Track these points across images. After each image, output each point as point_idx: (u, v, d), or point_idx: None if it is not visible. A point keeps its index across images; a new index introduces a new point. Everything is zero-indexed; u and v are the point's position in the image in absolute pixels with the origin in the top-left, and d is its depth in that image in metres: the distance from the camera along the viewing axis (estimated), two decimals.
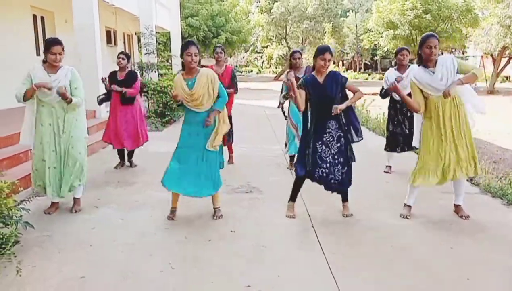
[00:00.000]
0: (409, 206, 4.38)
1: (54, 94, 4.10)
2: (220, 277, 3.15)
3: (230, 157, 6.59)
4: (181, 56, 4.03)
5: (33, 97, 4.13)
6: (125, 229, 4.03)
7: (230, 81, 6.16)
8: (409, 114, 5.64)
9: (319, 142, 4.16)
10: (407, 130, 5.73)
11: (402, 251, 3.59)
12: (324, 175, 4.16)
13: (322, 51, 4.08)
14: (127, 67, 6.21)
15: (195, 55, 3.97)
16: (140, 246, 3.67)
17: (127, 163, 6.46)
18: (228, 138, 6.41)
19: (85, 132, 4.46)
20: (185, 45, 4.02)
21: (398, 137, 5.85)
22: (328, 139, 4.16)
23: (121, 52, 6.31)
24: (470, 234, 3.93)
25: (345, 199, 4.41)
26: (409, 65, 5.69)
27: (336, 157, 4.17)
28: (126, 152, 6.43)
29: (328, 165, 4.15)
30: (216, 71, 5.93)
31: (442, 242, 3.76)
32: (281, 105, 6.30)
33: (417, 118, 4.38)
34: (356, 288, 3.03)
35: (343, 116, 4.21)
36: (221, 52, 6.18)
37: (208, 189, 4.21)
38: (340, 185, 4.24)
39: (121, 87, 6.02)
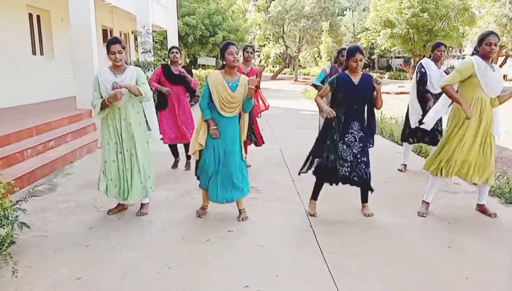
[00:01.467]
0: (427, 203, 4.38)
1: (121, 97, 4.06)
2: (218, 277, 3.13)
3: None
4: (222, 57, 3.98)
5: (109, 107, 4.08)
6: (122, 229, 4.01)
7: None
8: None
9: (341, 142, 4.14)
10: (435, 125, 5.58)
11: (401, 250, 3.58)
12: (347, 173, 4.15)
13: (353, 52, 4.03)
14: (180, 63, 6.11)
15: (236, 54, 3.92)
16: (138, 246, 3.64)
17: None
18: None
19: (153, 133, 4.37)
20: (226, 45, 3.98)
21: (420, 129, 5.67)
22: (350, 139, 4.14)
23: (174, 47, 6.19)
24: (469, 233, 3.93)
25: (365, 200, 4.40)
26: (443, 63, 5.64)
27: (358, 155, 4.14)
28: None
29: (349, 164, 4.14)
30: (243, 70, 5.93)
31: (441, 241, 3.75)
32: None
33: (439, 103, 4.35)
34: (355, 288, 3.01)
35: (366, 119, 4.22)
36: (251, 52, 6.11)
37: (238, 193, 4.15)
38: (365, 181, 4.20)
39: (177, 81, 5.90)
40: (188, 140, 6.02)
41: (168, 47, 16.33)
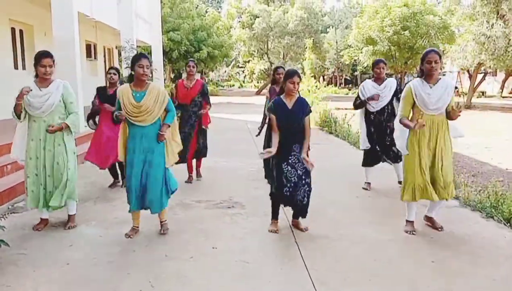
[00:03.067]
0: (411, 222, 4.37)
1: (42, 109, 4.06)
2: None
3: (198, 171, 6.43)
4: (132, 68, 4.00)
5: (22, 111, 4.10)
6: (104, 247, 3.94)
7: (198, 94, 6.09)
8: (383, 125, 5.65)
9: (285, 163, 4.14)
10: (386, 141, 5.67)
11: (385, 265, 3.59)
12: (288, 194, 4.15)
13: (291, 75, 4.09)
14: (118, 83, 6.03)
15: (147, 68, 3.95)
16: (119, 264, 3.58)
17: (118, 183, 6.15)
18: (197, 153, 6.27)
19: (73, 145, 4.39)
20: (137, 57, 4.02)
21: (376, 151, 5.78)
22: (293, 161, 4.14)
23: (112, 68, 6.13)
24: (451, 247, 3.96)
25: (297, 217, 4.38)
26: (385, 78, 5.70)
27: (303, 177, 4.15)
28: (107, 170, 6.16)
29: (292, 185, 4.13)
30: (185, 85, 5.96)
31: (424, 256, 3.78)
32: (264, 122, 6.24)
33: (399, 127, 4.37)
34: None
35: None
36: (193, 67, 6.09)
37: (155, 207, 4.13)
38: (303, 204, 4.21)
39: (110, 102, 5.72)
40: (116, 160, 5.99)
41: (153, 63, 16.35)
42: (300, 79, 4.14)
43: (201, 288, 3.19)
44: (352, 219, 4.72)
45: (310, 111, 4.23)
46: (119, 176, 6.11)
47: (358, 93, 5.89)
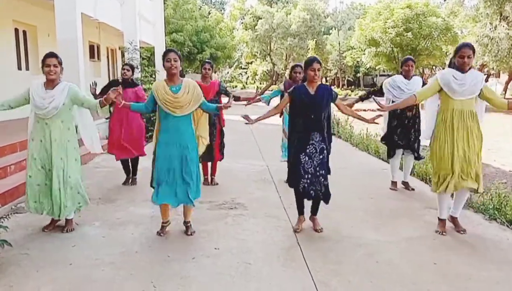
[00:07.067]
0: (443, 220, 4.35)
1: (46, 111, 4.06)
2: None
3: (212, 179, 6.34)
4: (163, 65, 4.05)
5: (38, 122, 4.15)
6: (106, 247, 3.94)
7: (215, 95, 6.10)
8: (411, 122, 5.67)
9: (303, 154, 4.16)
10: (411, 136, 5.69)
11: (387, 267, 3.59)
12: (306, 185, 4.15)
13: (310, 62, 4.13)
14: (131, 79, 6.06)
15: (175, 61, 3.97)
16: (122, 264, 3.58)
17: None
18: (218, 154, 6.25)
19: (92, 149, 4.48)
20: (165, 53, 4.07)
21: (397, 142, 5.77)
22: (311, 151, 4.16)
23: (126, 64, 6.14)
24: (453, 249, 3.96)
25: (315, 213, 4.41)
26: (413, 75, 5.69)
27: (318, 168, 4.16)
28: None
29: (310, 176, 4.14)
30: (200, 85, 5.96)
31: (425, 258, 3.77)
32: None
33: (427, 113, 4.46)
34: None
35: (326, 130, 4.24)
36: (209, 69, 6.07)
37: (185, 197, 4.10)
38: (323, 195, 4.21)
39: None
40: (132, 155, 6.07)
41: (155, 63, 16.43)
42: (321, 65, 4.15)
43: (203, 288, 3.19)
44: (354, 221, 4.71)
45: (337, 94, 4.24)
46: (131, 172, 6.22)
47: (382, 86, 5.79)
